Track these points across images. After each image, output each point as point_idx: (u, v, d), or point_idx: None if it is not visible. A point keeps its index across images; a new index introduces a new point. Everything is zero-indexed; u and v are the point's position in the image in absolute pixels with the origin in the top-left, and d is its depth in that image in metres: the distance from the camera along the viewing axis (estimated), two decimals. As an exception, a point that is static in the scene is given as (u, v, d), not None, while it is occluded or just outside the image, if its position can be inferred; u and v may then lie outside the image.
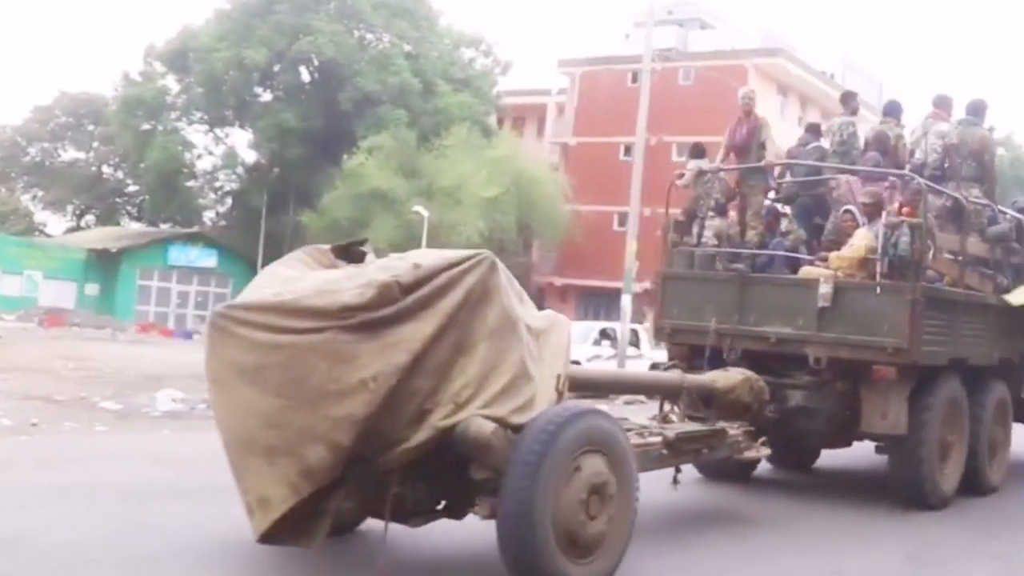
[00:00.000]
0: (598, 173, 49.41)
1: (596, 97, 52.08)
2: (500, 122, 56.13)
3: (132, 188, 63.95)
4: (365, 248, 7.87)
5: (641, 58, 30.92)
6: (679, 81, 49.58)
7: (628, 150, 42.97)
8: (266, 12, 49.84)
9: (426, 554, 7.74)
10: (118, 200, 65.84)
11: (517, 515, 6.36)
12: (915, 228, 10.48)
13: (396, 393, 6.31)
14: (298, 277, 7.07)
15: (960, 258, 11.39)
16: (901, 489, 10.94)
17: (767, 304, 11.05)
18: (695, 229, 12.75)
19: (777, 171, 13.07)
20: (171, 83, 53.99)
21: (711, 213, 12.77)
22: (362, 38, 51.97)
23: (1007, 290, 12.09)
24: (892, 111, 13.00)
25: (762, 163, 12.48)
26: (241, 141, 55.49)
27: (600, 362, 27.65)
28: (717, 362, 10.94)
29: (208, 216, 59.05)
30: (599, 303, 49.16)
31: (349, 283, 6.54)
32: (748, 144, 12.60)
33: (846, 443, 11.73)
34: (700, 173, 12.98)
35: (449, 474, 6.82)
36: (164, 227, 55.54)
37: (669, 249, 12.58)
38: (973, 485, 11.52)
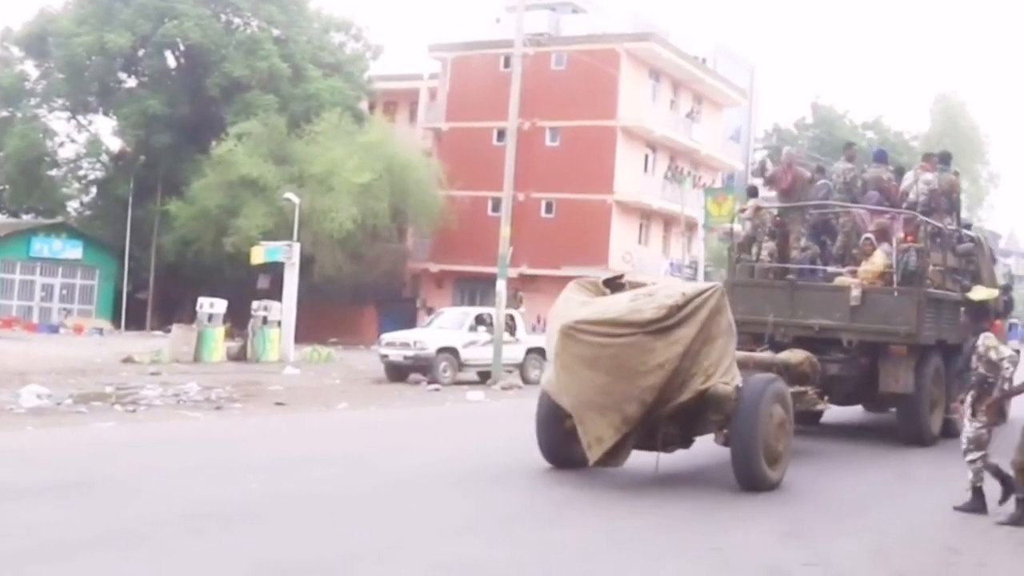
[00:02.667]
0: (471, 158, 49.35)
1: (468, 82, 51.96)
2: (372, 107, 55.72)
3: (-10, 178, 61.81)
4: (622, 281, 13.28)
5: (513, 43, 30.86)
6: (551, 65, 49.74)
7: (501, 135, 42.96)
8: (129, -5, 48.55)
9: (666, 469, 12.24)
10: (-24, 190, 63.60)
11: (744, 440, 11.40)
12: (918, 251, 15.83)
13: (675, 370, 11.09)
14: (591, 301, 12.19)
15: (941, 269, 16.72)
16: (907, 432, 16.10)
17: (811, 303, 15.84)
18: (754, 249, 17.64)
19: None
20: (30, 68, 52.20)
21: (766, 238, 17.49)
22: (229, 22, 50.95)
23: (968, 289, 17.44)
24: (880, 157, 18.59)
25: (798, 204, 17.28)
26: (105, 128, 54.02)
27: (477, 348, 27.65)
28: (774, 346, 15.38)
29: (72, 206, 57.21)
30: (475, 289, 49.16)
31: (646, 305, 11.36)
32: (791, 190, 17.32)
33: (867, 400, 16.91)
34: (757, 208, 17.72)
35: (690, 418, 11.69)
36: (26, 218, 53.70)
37: (734, 264, 17.93)
38: (947, 429, 16.16)
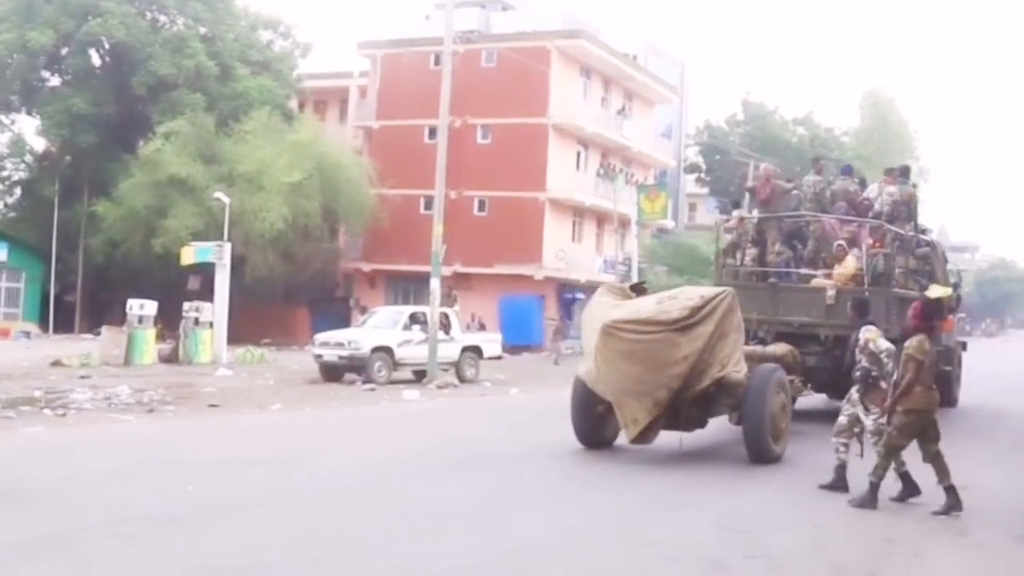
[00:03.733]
0: (403, 156, 49.18)
1: (398, 80, 51.72)
2: (301, 106, 55.34)
3: (-91, 180, 60.45)
4: (645, 286, 15.98)
5: (443, 40, 30.76)
6: (482, 63, 49.63)
7: (432, 133, 42.78)
8: (50, -8, 47.71)
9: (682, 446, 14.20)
10: None
11: (754, 420, 13.46)
12: (885, 256, 18.02)
13: (697, 362, 13.06)
14: (621, 304, 14.36)
15: (903, 270, 18.90)
16: None
17: (791, 303, 17.57)
18: (738, 255, 19.59)
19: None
20: (-53, 66, 51.18)
21: (749, 244, 19.41)
22: (155, 20, 50.22)
23: (925, 288, 19.09)
24: (847, 171, 20.58)
25: (777, 215, 19.18)
26: (29, 128, 53.06)
27: (411, 347, 27.52)
28: (758, 342, 17.37)
29: (-5, 207, 56.31)
30: (408, 287, 49.04)
31: (672, 307, 13.33)
32: (769, 201, 19.26)
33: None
34: (741, 219, 19.69)
35: (708, 402, 13.70)
36: (-53, 220, 52.70)
37: (720, 269, 19.90)
38: None
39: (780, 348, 16.79)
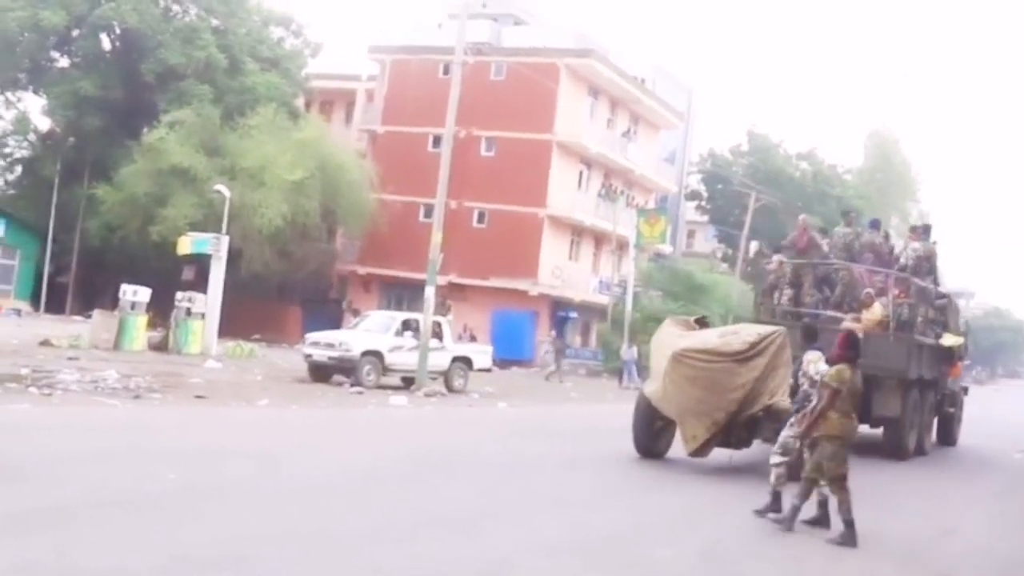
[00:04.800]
0: (405, 163, 49.21)
1: (406, 86, 51.78)
2: (308, 105, 55.32)
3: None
4: (707, 321, 18.07)
5: (453, 50, 30.78)
6: (491, 76, 49.68)
7: (437, 141, 42.85)
8: (66, -27, 47.74)
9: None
10: None
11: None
12: (910, 306, 19.84)
13: (751, 390, 14.51)
14: (687, 334, 16.18)
15: (923, 319, 20.47)
16: (891, 448, 19.78)
17: (822, 341, 17.63)
18: (776, 295, 20.99)
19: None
20: (-42, 41, 51.20)
21: (786, 287, 20.87)
22: (168, 9, 50.31)
23: (939, 336, 21.49)
24: (875, 225, 22.39)
25: (811, 262, 20.88)
26: (34, 107, 53.06)
27: (402, 353, 27.46)
28: None
29: (-5, 184, 56.27)
30: (402, 294, 48.93)
31: (734, 340, 15.16)
32: (806, 249, 21.02)
33: (861, 421, 17.87)
34: (780, 263, 21.12)
35: (755, 425, 14.99)
36: (-54, 194, 52.63)
37: (758, 307, 21.83)
38: (920, 447, 20.76)
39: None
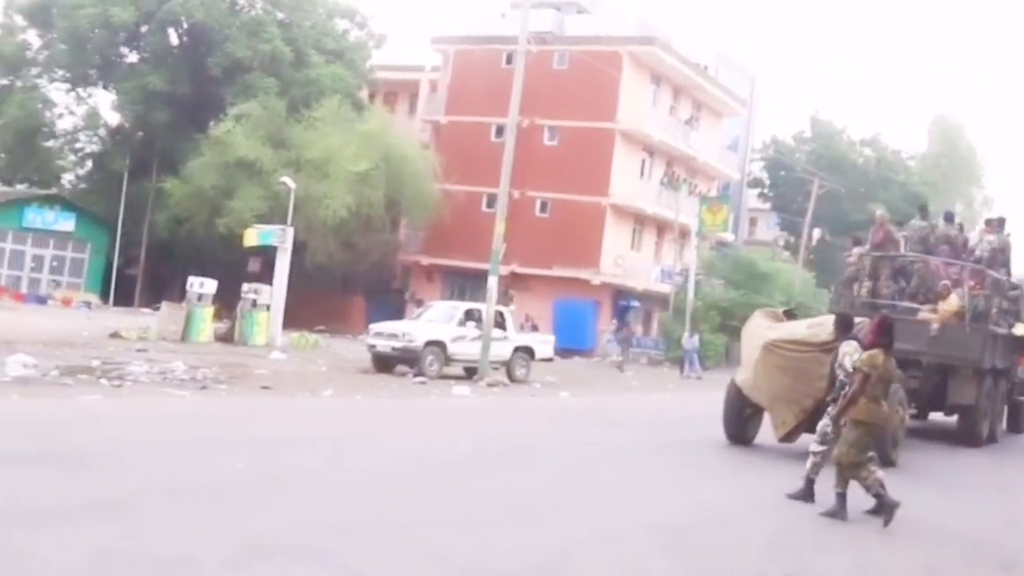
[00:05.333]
0: (468, 153, 49.38)
1: (469, 76, 51.95)
2: (372, 96, 55.68)
3: (-13, 145, 61.53)
4: (795, 312, 19.21)
5: (516, 39, 30.87)
6: (553, 65, 49.72)
7: (500, 131, 43.01)
8: (135, -30, 48.43)
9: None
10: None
11: None
12: (985, 297, 20.18)
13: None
14: (776, 326, 17.02)
15: (996, 310, 20.74)
16: (965, 435, 20.32)
17: (900, 331, 17.19)
18: (855, 287, 21.27)
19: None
20: (32, 37, 52.02)
21: (865, 279, 21.10)
22: (234, 3, 50.89)
23: (1012, 326, 21.59)
24: (949, 218, 22.82)
25: (888, 255, 21.15)
26: (104, 102, 53.79)
27: (465, 343, 27.64)
28: None
29: (67, 178, 57.06)
30: (465, 284, 49.16)
31: (820, 332, 15.52)
32: (883, 243, 21.29)
33: (937, 408, 20.92)
34: (861, 256, 21.39)
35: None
36: (20, 187, 53.50)
37: (838, 298, 22.08)
38: (992, 435, 20.90)
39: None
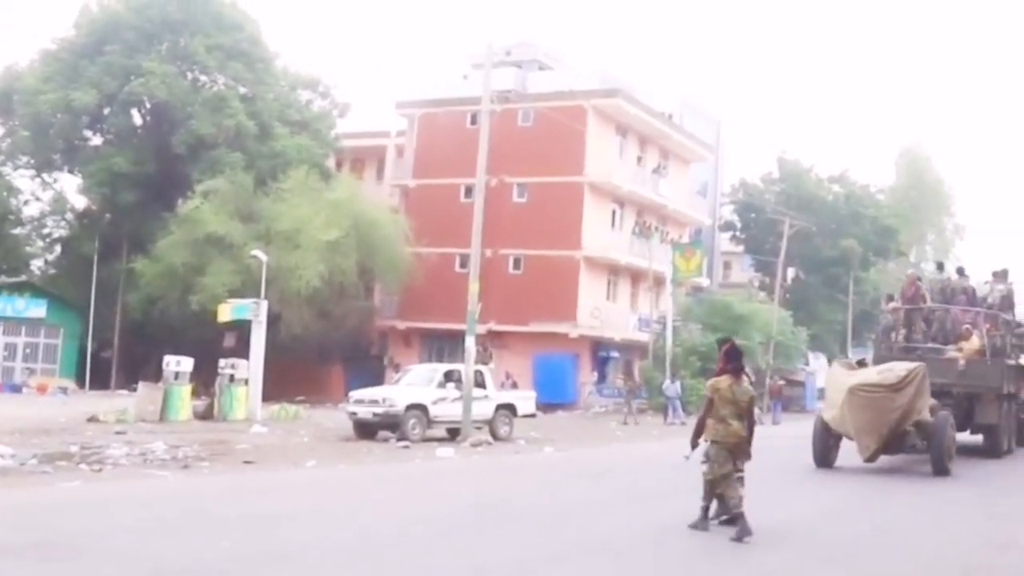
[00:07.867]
0: (439, 215, 49.48)
1: (435, 139, 52.13)
2: (339, 164, 55.84)
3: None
4: (866, 363, 23.95)
5: (480, 99, 31.03)
6: (519, 122, 49.95)
7: (469, 191, 43.15)
8: (95, 53, 48.47)
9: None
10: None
11: (939, 449, 20.38)
12: (1001, 336, 24.84)
13: (905, 411, 20.11)
14: (854, 373, 21.86)
15: (1009, 346, 25.37)
16: (990, 449, 24.50)
17: (932, 368, 21.80)
18: (892, 335, 25.41)
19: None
20: (-6, 125, 52.06)
21: (901, 327, 25.24)
22: (196, 80, 51.03)
23: (1018, 358, 25.82)
24: (961, 272, 27.41)
25: (918, 307, 25.41)
26: (70, 186, 53.87)
27: (447, 404, 27.48)
28: None
29: (36, 264, 56.80)
30: (443, 345, 48.97)
31: (889, 375, 20.53)
32: (914, 298, 25.46)
33: (965, 429, 24.02)
34: (895, 309, 25.88)
35: (906, 435, 20.66)
36: (-12, 276, 53.18)
37: (878, 345, 26.35)
38: (1010, 448, 25.26)
39: (931, 401, 21.93)
